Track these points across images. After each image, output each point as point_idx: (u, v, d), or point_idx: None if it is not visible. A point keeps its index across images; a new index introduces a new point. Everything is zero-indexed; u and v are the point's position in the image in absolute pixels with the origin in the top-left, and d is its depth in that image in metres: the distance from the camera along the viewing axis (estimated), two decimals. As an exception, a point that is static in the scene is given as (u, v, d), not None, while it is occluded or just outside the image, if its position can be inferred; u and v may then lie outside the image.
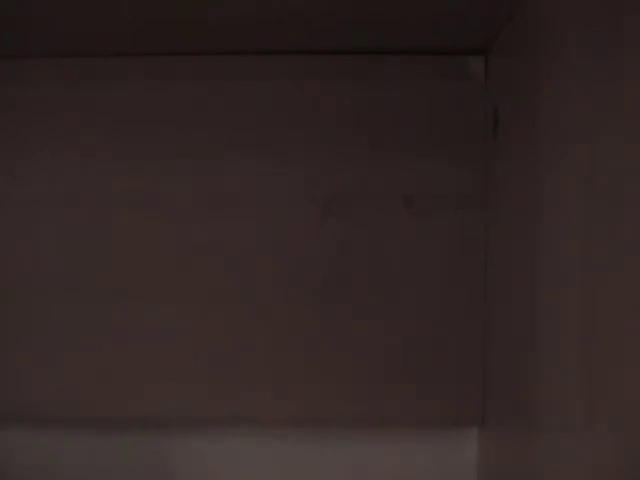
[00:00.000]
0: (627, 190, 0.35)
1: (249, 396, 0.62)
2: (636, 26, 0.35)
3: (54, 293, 0.63)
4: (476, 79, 0.63)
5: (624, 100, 0.36)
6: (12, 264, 0.63)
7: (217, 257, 0.63)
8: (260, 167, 0.63)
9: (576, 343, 0.42)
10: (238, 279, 0.63)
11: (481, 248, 0.62)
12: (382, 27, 0.57)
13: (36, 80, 0.64)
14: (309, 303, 0.62)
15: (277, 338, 0.62)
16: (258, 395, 0.62)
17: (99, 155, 0.63)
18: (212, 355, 0.62)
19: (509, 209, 0.56)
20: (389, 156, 0.62)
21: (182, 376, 0.62)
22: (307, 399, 0.62)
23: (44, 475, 0.66)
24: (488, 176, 0.62)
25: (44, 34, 0.58)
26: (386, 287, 0.62)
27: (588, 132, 0.40)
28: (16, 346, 0.63)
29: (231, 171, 0.63)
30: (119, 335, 0.63)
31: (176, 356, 0.62)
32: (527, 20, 0.51)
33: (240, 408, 0.62)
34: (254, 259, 0.63)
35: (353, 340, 0.62)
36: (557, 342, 0.45)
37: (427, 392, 0.62)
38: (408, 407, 0.62)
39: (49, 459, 0.66)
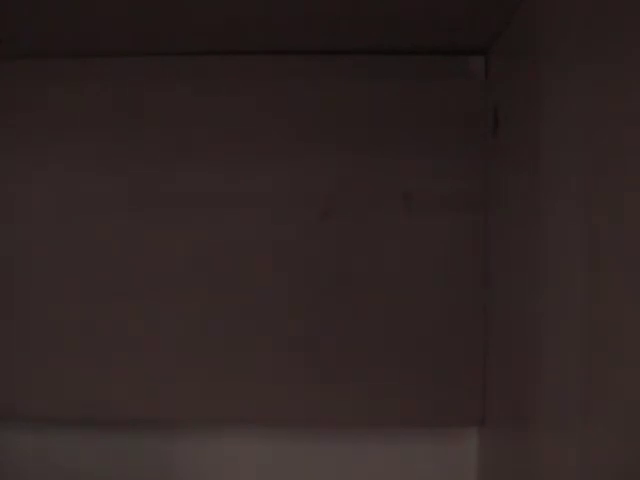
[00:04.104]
0: (628, 189, 0.35)
1: (249, 396, 0.62)
2: (637, 26, 0.35)
3: (53, 293, 0.63)
4: (476, 79, 0.63)
5: (624, 100, 0.36)
6: (11, 264, 0.63)
7: (216, 257, 0.63)
8: (259, 167, 0.63)
9: (576, 343, 0.42)
10: (237, 279, 0.63)
11: (481, 248, 0.62)
12: (382, 27, 0.57)
13: (36, 80, 0.64)
14: (309, 303, 0.62)
15: (277, 338, 0.62)
16: (258, 395, 0.62)
17: (99, 154, 0.63)
18: (211, 355, 0.62)
19: (509, 209, 0.56)
20: (389, 156, 0.62)
21: (181, 376, 0.62)
22: (307, 399, 0.62)
23: (43, 475, 0.66)
24: (488, 176, 0.62)
25: (44, 34, 0.58)
26: (386, 287, 0.62)
27: (588, 132, 0.40)
28: (15, 346, 0.63)
29: (230, 171, 0.63)
30: (118, 335, 0.63)
31: (175, 356, 0.62)
32: (527, 20, 0.51)
33: (240, 408, 0.62)
34: (253, 259, 0.63)
35: (353, 340, 0.62)
36: (557, 342, 0.45)
37: (427, 392, 0.62)
38: (408, 407, 0.62)
39: (48, 459, 0.66)
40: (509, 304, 0.56)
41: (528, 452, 0.50)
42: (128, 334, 0.63)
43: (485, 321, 0.62)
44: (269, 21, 0.56)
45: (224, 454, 0.66)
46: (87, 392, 0.63)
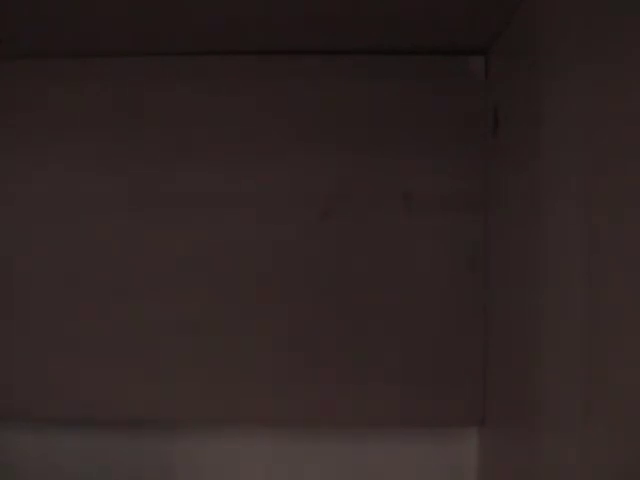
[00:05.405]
0: (628, 189, 0.35)
1: (249, 396, 0.62)
2: (637, 26, 0.35)
3: (53, 293, 0.63)
4: (476, 79, 0.63)
5: (624, 100, 0.36)
6: (11, 264, 0.63)
7: (216, 257, 0.63)
8: (259, 167, 0.63)
9: (576, 343, 0.42)
10: (237, 279, 0.63)
11: (481, 248, 0.62)
12: (382, 27, 0.57)
13: (36, 80, 0.64)
14: (309, 303, 0.62)
15: (277, 338, 0.62)
16: (258, 395, 0.62)
17: (99, 154, 0.63)
18: (211, 355, 0.62)
19: (509, 209, 0.56)
20: (389, 156, 0.62)
21: (181, 376, 0.62)
22: (307, 399, 0.62)
23: (43, 475, 0.66)
24: (488, 176, 0.62)
25: (44, 34, 0.58)
26: (386, 287, 0.62)
27: (588, 132, 0.40)
28: (15, 346, 0.63)
29: (230, 171, 0.63)
30: (118, 335, 0.63)
31: (175, 356, 0.62)
32: (527, 20, 0.51)
33: (240, 408, 0.62)
34: (253, 259, 0.63)
35: (353, 340, 0.62)
36: (557, 342, 0.45)
37: (427, 392, 0.62)
38: (408, 407, 0.62)
39: (48, 459, 0.66)
40: (509, 304, 0.56)
41: (528, 452, 0.50)
42: (128, 334, 0.63)
43: (485, 321, 0.62)
44: (269, 21, 0.56)
45: (224, 454, 0.66)
46: (87, 392, 0.63)
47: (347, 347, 0.62)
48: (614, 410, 0.36)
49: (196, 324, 0.62)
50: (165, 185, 0.63)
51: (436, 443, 0.66)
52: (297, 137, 0.63)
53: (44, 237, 0.63)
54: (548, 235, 0.47)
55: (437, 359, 0.62)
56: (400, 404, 0.62)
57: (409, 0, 0.51)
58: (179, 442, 0.66)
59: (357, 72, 0.63)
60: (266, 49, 0.62)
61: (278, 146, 0.63)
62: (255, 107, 0.63)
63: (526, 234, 0.51)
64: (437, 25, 0.56)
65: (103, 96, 0.63)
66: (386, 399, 0.62)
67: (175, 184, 0.63)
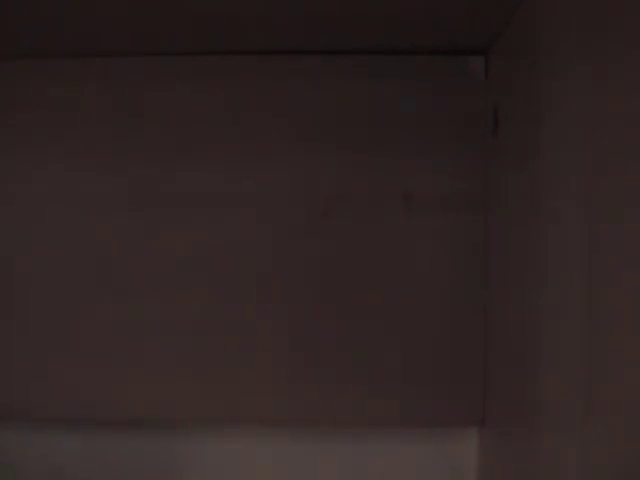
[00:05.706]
0: (628, 189, 0.35)
1: (249, 396, 0.62)
2: (637, 26, 0.35)
3: (53, 293, 0.63)
4: (476, 79, 0.63)
5: (624, 100, 0.36)
6: (11, 264, 0.63)
7: (216, 257, 0.63)
8: (259, 167, 0.63)
9: (576, 343, 0.42)
10: (237, 279, 0.63)
11: (481, 248, 0.62)
12: (382, 27, 0.57)
13: (36, 80, 0.64)
14: (309, 303, 0.62)
15: (277, 338, 0.62)
16: (258, 395, 0.62)
17: (99, 154, 0.63)
18: (211, 355, 0.62)
19: (509, 209, 0.56)
20: (389, 156, 0.63)
21: (181, 376, 0.63)
22: (307, 399, 0.62)
23: (43, 475, 0.66)
24: (488, 176, 0.62)
25: (44, 34, 0.58)
26: (386, 287, 0.62)
27: (588, 132, 0.40)
28: (15, 346, 0.63)
29: (230, 171, 0.63)
30: (118, 335, 0.63)
31: (175, 356, 0.63)
32: (527, 20, 0.51)
33: (240, 408, 0.63)
34: (253, 259, 0.63)
35: (353, 340, 0.62)
36: (557, 342, 0.45)
37: (427, 392, 0.62)
38: (408, 407, 0.62)
39: (48, 459, 0.66)
40: (509, 304, 0.56)
41: (528, 452, 0.50)
42: (128, 334, 0.63)
43: (485, 321, 0.62)
44: (269, 21, 0.56)
45: (224, 454, 0.66)
46: (87, 392, 0.63)
47: (347, 347, 0.62)
48: (614, 410, 0.36)
49: (196, 324, 0.62)
50: (165, 185, 0.63)
51: (436, 443, 0.66)
52: (297, 137, 0.63)
53: (44, 237, 0.63)
54: (548, 235, 0.47)
55: (437, 359, 0.62)
56: (400, 404, 0.62)
57: (409, 0, 0.51)
58: (179, 442, 0.66)
59: (357, 72, 0.63)
60: (266, 49, 0.62)
61: (278, 146, 0.63)
62: (255, 107, 0.63)
63: (526, 234, 0.51)
64: (437, 25, 0.56)
65: (103, 96, 0.63)
66: (386, 399, 0.62)
67: (175, 184, 0.63)
